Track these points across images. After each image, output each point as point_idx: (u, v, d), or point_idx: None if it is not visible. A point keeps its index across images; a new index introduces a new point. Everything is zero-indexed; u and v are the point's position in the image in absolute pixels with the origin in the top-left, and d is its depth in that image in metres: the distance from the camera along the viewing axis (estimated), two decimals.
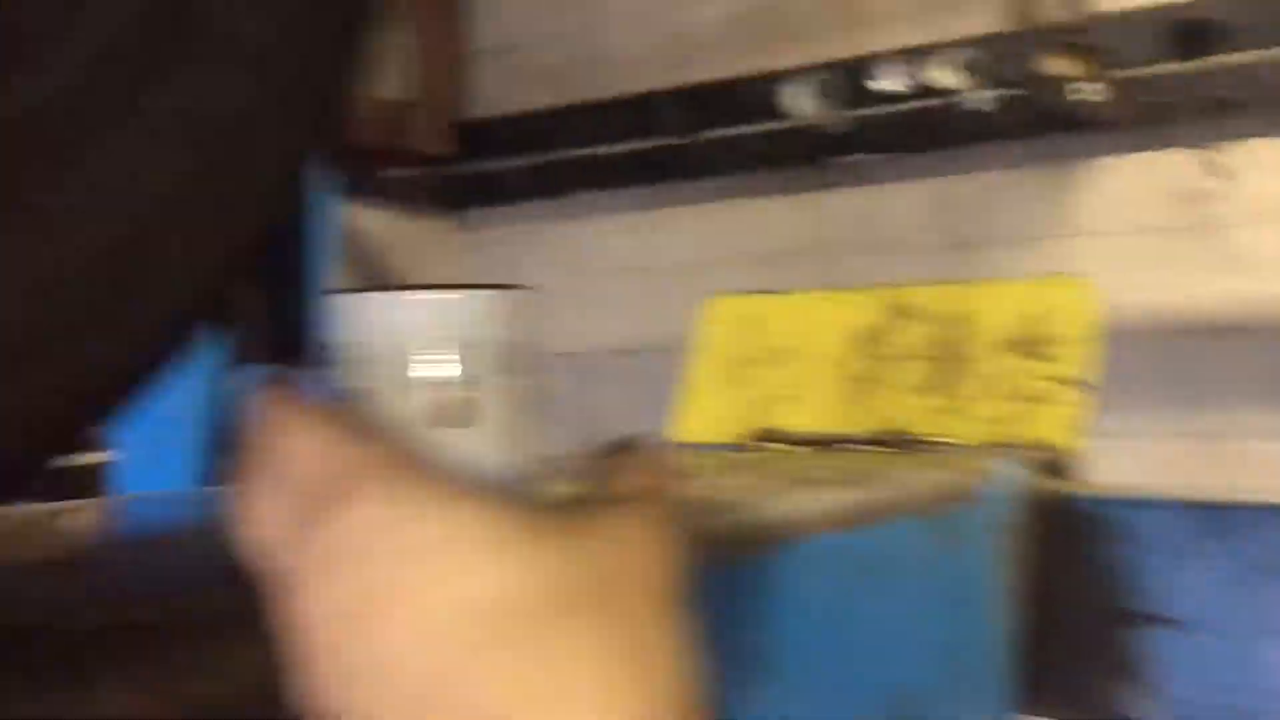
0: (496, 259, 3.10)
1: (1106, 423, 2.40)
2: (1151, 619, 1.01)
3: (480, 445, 0.39)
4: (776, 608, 0.74)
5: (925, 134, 2.51)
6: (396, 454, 0.34)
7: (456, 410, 0.39)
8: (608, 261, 2.98)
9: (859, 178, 2.67)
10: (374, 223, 2.91)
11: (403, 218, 3.01)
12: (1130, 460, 2.35)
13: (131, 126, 0.41)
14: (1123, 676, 1.01)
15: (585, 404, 2.97)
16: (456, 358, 0.39)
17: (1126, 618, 1.01)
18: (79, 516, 0.79)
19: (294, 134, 0.49)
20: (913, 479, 0.97)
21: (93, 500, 1.04)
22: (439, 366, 0.38)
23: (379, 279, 2.98)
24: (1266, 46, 2.06)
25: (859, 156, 2.60)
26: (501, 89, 3.07)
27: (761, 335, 1.34)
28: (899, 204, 2.67)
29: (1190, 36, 1.98)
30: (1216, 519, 0.99)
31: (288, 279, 1.62)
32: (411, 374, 0.39)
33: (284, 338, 1.64)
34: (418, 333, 0.40)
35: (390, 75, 2.74)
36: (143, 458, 1.43)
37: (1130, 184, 2.42)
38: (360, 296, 0.41)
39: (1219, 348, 2.35)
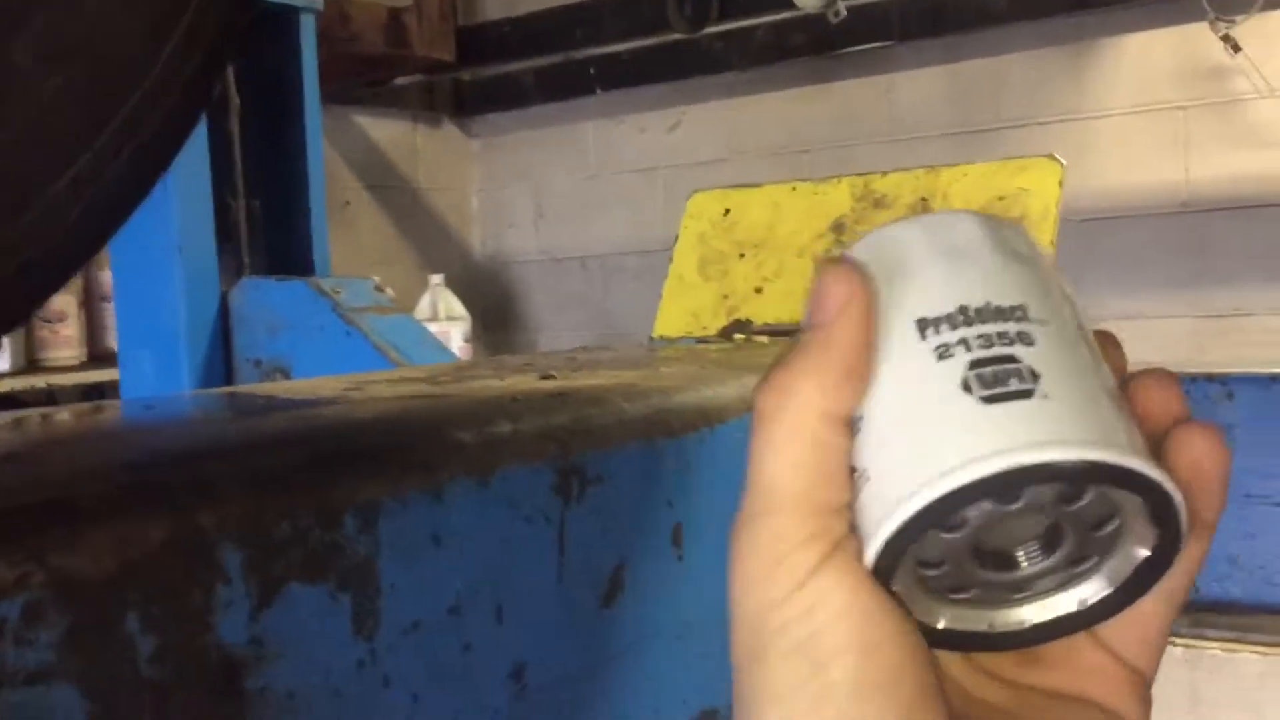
0: (511, 164, 3.12)
1: (1118, 305, 2.40)
2: None
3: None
4: (695, 490, 0.78)
5: (935, 18, 2.48)
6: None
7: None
8: (622, 163, 2.99)
9: (871, 66, 2.65)
10: (385, 132, 2.93)
11: (415, 125, 3.03)
12: (1141, 339, 2.34)
13: None
14: None
15: (603, 306, 3.00)
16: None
17: None
18: (67, 415, 0.84)
19: None
20: None
21: (93, 404, 1.08)
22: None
23: (392, 187, 3.01)
24: None
25: (869, 45, 2.58)
26: None
27: (735, 229, 1.36)
28: (910, 92, 2.65)
29: None
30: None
31: (286, 193, 1.66)
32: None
33: (284, 248, 1.68)
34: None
35: None
36: (149, 371, 1.48)
37: (1144, 62, 2.38)
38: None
39: (1231, 225, 2.32)
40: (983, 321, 0.34)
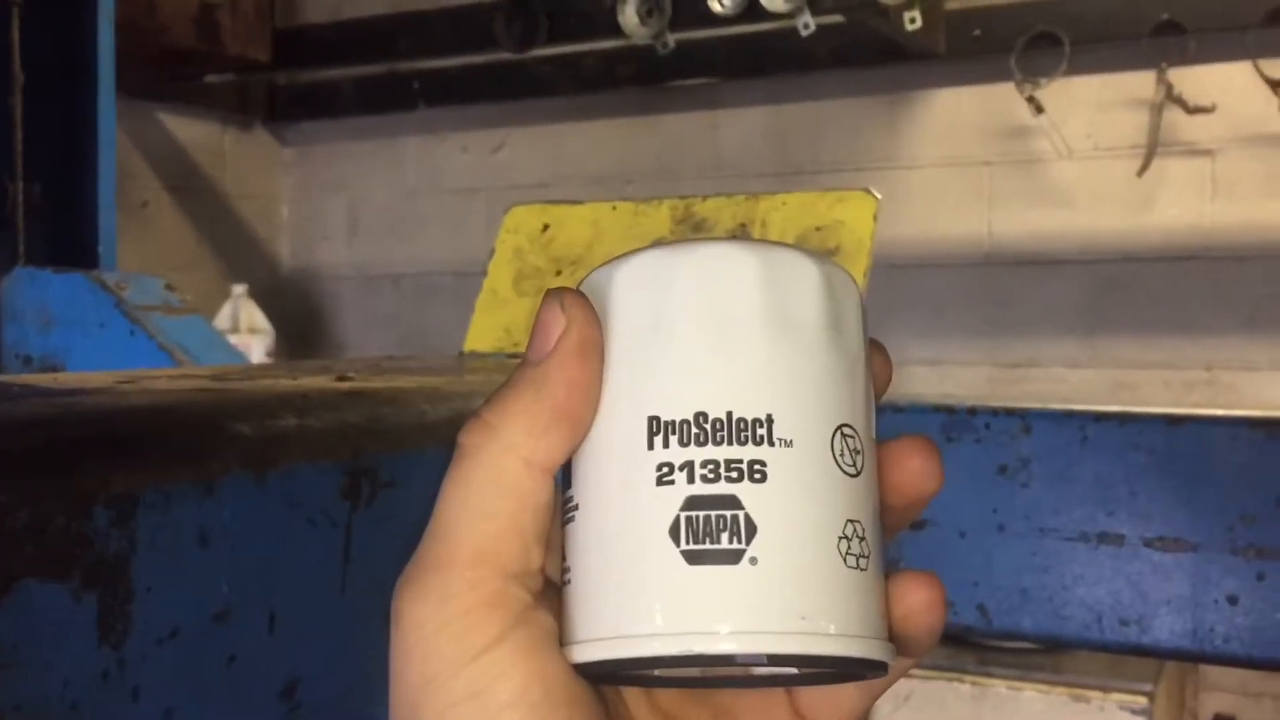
0: (325, 175, 3.02)
1: (921, 350, 2.47)
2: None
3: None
4: None
5: (759, 59, 2.52)
6: None
7: None
8: (442, 181, 2.92)
9: (696, 102, 2.68)
10: (191, 132, 2.79)
11: (225, 128, 2.89)
12: (940, 384, 2.42)
13: None
14: None
15: (416, 326, 2.93)
16: None
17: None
18: None
19: None
20: None
21: None
22: None
23: (196, 190, 2.86)
24: None
25: (695, 80, 2.60)
26: None
27: (553, 245, 1.33)
28: (734, 130, 2.69)
29: None
30: (961, 422, 1.03)
31: (73, 181, 1.55)
32: None
33: (67, 239, 1.57)
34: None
35: None
36: None
37: (954, 116, 2.47)
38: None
39: (1028, 279, 2.43)
40: (716, 441, 0.31)
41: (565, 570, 0.33)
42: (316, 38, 2.76)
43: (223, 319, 2.60)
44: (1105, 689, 1.87)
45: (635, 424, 0.32)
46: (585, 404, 0.32)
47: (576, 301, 0.33)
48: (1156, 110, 2.18)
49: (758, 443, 0.31)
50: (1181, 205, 2.25)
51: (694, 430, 0.31)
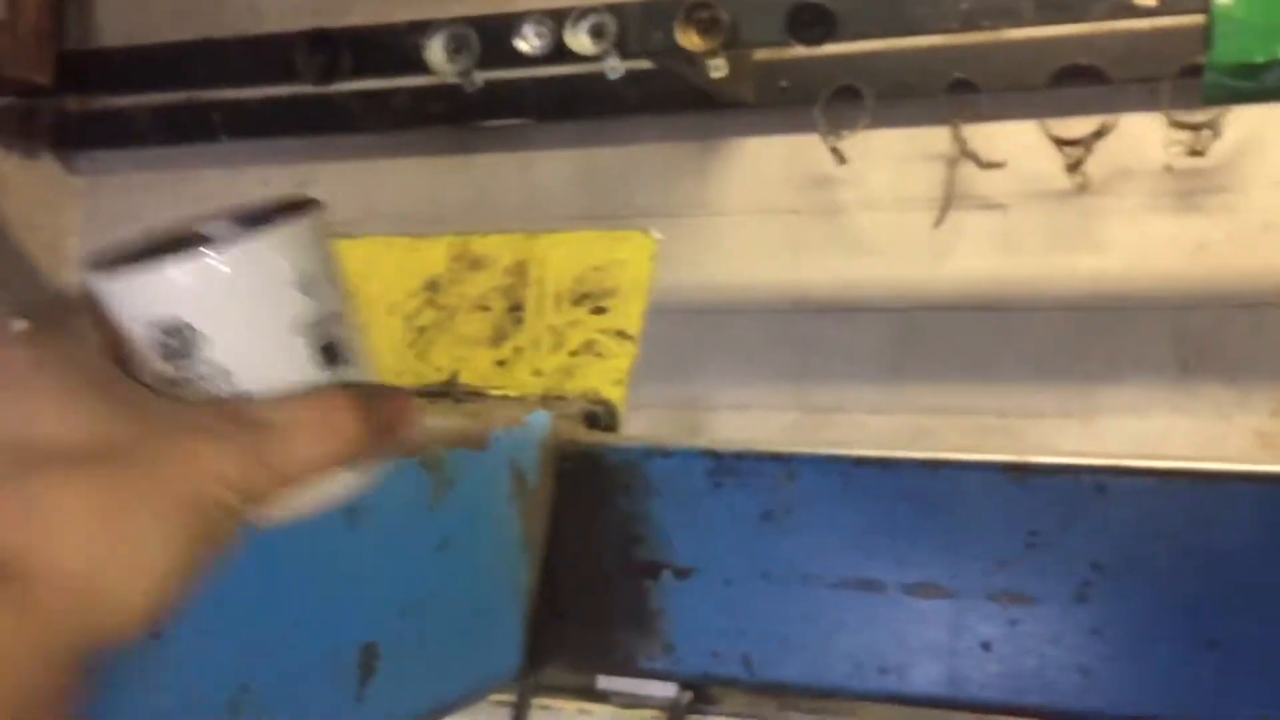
0: (117, 207, 2.87)
1: (729, 395, 2.48)
2: (664, 567, 1.01)
3: None
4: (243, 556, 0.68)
5: (570, 102, 2.51)
6: None
7: None
8: None
9: (509, 143, 2.65)
10: None
11: (7, 154, 2.72)
12: (750, 429, 2.43)
13: None
14: (635, 626, 1.01)
15: None
16: None
17: (640, 567, 1.01)
18: None
19: None
20: (425, 426, 0.93)
21: None
22: None
23: None
24: (880, 37, 2.15)
25: (507, 121, 2.57)
26: (123, 19, 2.83)
27: None
28: (546, 172, 2.66)
29: (811, 22, 2.05)
30: (728, 467, 1.01)
31: None
32: None
33: None
34: None
35: None
36: None
37: (762, 165, 2.50)
38: None
39: (834, 326, 2.47)
40: None
41: None
42: (107, 62, 2.63)
43: None
44: None
45: None
46: None
47: None
48: (951, 164, 2.24)
49: None
50: (977, 257, 2.32)
51: None
